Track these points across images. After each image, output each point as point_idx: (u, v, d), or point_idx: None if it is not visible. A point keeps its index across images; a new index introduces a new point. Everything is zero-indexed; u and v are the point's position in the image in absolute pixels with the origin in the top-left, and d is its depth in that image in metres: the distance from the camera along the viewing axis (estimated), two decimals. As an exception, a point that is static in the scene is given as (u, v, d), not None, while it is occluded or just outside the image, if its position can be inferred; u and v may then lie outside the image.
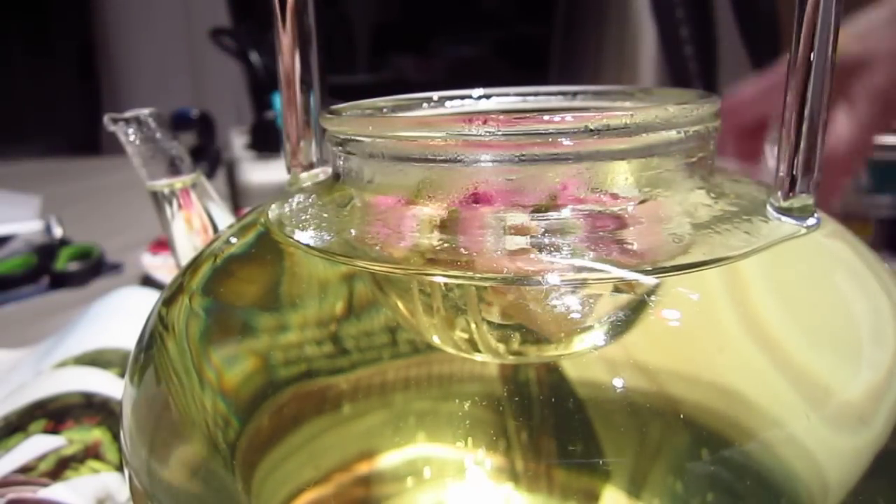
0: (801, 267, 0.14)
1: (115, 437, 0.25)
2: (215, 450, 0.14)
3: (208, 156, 0.85)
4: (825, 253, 0.15)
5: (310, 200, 0.17)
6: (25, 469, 0.23)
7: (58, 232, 0.53)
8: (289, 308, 0.15)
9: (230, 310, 0.16)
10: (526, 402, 0.12)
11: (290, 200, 0.18)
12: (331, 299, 0.14)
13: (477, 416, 0.12)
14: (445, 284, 0.13)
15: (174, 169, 0.21)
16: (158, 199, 0.21)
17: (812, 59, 0.14)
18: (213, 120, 0.89)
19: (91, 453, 0.24)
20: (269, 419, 0.13)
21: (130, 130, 0.20)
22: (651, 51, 0.71)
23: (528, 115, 0.13)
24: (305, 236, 0.15)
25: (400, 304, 0.14)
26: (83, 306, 0.37)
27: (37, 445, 0.24)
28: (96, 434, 0.25)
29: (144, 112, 0.20)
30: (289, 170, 0.19)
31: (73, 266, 0.48)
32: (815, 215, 0.15)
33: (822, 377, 0.13)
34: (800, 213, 0.15)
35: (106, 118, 0.20)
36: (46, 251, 0.50)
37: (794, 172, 0.14)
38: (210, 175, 0.84)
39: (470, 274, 0.13)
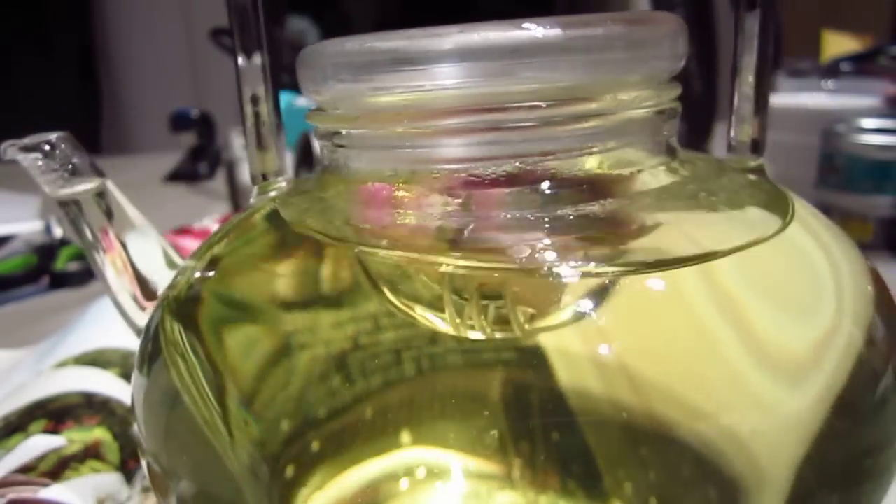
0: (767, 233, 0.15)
1: (116, 436, 0.25)
2: (230, 433, 0.14)
3: (208, 156, 0.85)
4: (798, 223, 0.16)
5: (301, 195, 0.18)
6: (25, 469, 0.23)
7: (58, 232, 0.53)
8: (303, 295, 0.15)
9: (245, 297, 0.16)
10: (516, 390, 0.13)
11: (282, 196, 0.18)
12: (343, 286, 0.15)
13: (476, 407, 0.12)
14: (446, 267, 0.14)
15: (84, 173, 0.19)
16: (68, 211, 0.19)
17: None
18: (213, 120, 0.89)
19: (91, 453, 0.24)
20: (287, 406, 0.14)
21: (35, 156, 0.18)
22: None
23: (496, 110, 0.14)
24: (315, 224, 0.16)
25: (402, 288, 0.14)
26: (83, 306, 0.37)
27: (37, 445, 0.24)
28: (96, 434, 0.25)
29: (52, 137, 0.18)
30: (254, 179, 0.19)
31: (73, 266, 0.48)
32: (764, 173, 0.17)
33: (776, 342, 0.14)
34: (757, 169, 0.17)
35: (4, 146, 0.18)
36: (46, 251, 0.50)
37: (756, 137, 0.17)
38: (210, 175, 0.84)
39: (469, 260, 0.14)
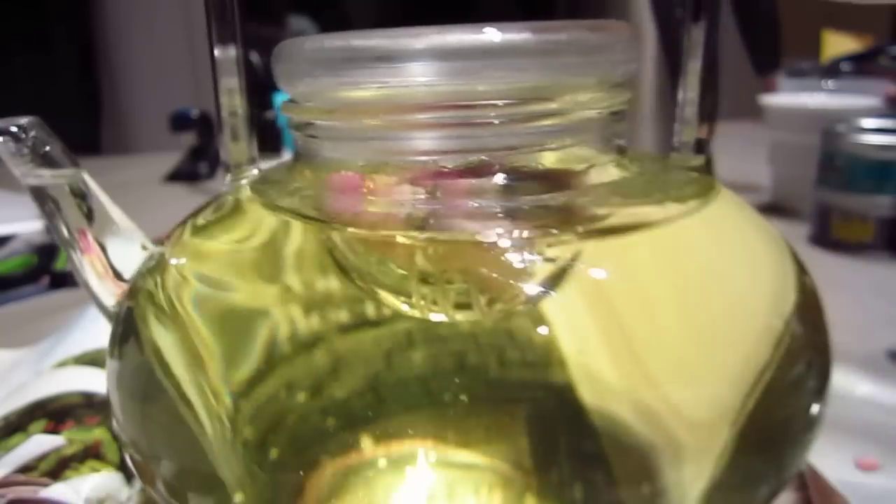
0: (701, 222, 0.17)
1: (116, 437, 0.25)
2: (209, 411, 0.15)
3: (208, 156, 0.85)
4: (726, 214, 0.18)
5: (272, 182, 0.19)
6: (26, 469, 0.23)
7: (58, 232, 0.53)
8: (273, 275, 0.16)
9: (216, 277, 0.17)
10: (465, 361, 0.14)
11: (254, 183, 0.19)
12: (313, 263, 0.16)
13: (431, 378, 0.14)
14: (406, 245, 0.15)
15: (57, 162, 0.18)
16: (44, 205, 0.19)
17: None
18: (213, 120, 0.89)
19: (91, 453, 0.24)
20: (260, 384, 0.15)
21: (4, 139, 0.17)
22: (651, 51, 0.71)
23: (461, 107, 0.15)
24: (286, 203, 0.17)
25: (365, 268, 0.15)
26: (83, 306, 0.37)
27: (37, 445, 0.24)
28: (96, 434, 0.25)
29: (22, 121, 0.18)
30: (228, 168, 0.20)
31: (74, 266, 0.48)
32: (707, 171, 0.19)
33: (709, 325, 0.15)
34: (699, 167, 0.19)
35: None
36: (46, 251, 0.49)
37: (696, 137, 0.19)
38: (210, 175, 0.84)
39: (428, 234, 0.15)
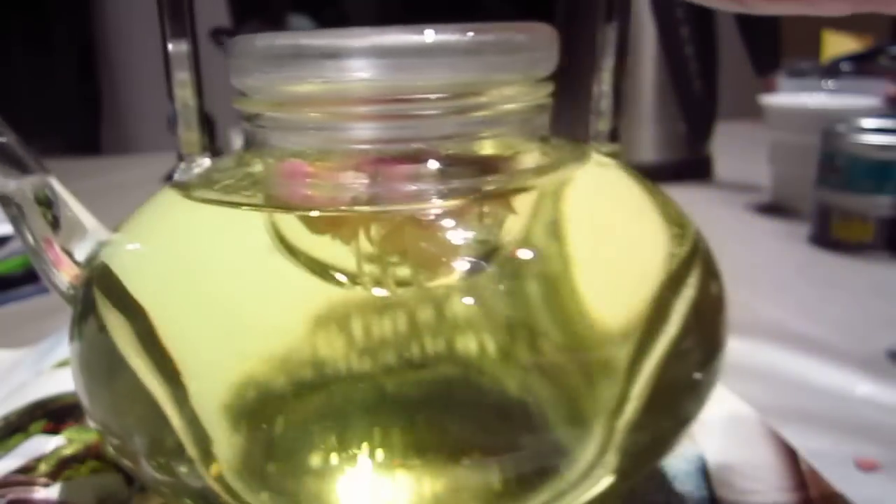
0: (604, 200, 0.19)
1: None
2: (175, 385, 0.16)
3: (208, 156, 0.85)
4: (624, 191, 0.20)
5: (222, 170, 0.20)
6: (26, 469, 0.23)
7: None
8: (218, 257, 0.17)
9: (165, 262, 0.18)
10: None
11: (205, 171, 0.20)
12: (256, 249, 0.17)
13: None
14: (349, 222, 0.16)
15: (23, 168, 0.18)
16: (9, 211, 0.19)
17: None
18: (213, 120, 0.89)
19: (91, 453, 0.24)
20: (213, 359, 0.16)
21: None
22: (651, 51, 0.71)
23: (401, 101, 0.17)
24: (221, 194, 0.18)
25: (312, 247, 0.17)
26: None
27: (37, 445, 0.24)
28: (96, 434, 0.25)
29: None
30: (180, 156, 0.21)
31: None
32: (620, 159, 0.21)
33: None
34: (614, 155, 0.21)
35: None
36: (46, 251, 0.50)
37: (608, 129, 0.22)
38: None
39: (366, 208, 0.17)
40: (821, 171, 0.51)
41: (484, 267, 0.16)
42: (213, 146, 0.22)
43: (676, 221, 0.20)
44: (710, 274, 0.20)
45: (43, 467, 0.23)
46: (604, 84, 0.22)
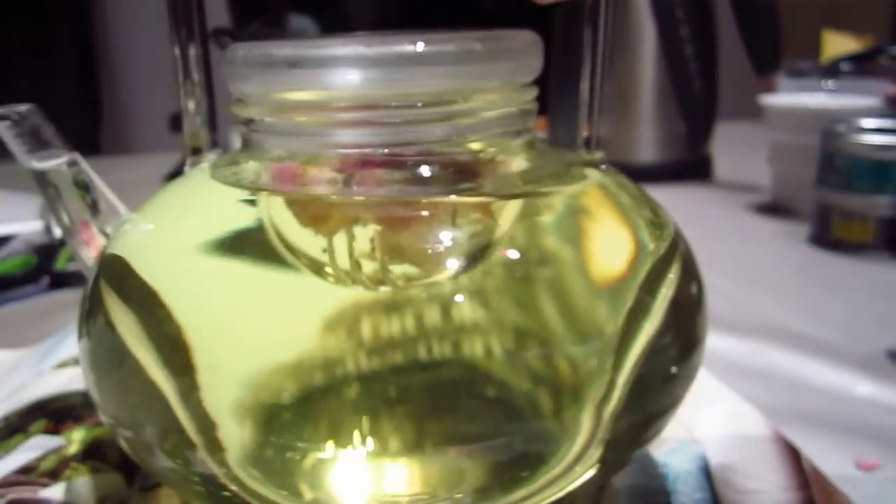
0: (590, 201, 0.20)
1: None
2: (185, 375, 0.16)
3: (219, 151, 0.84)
4: (608, 192, 0.21)
5: (224, 167, 0.21)
6: (26, 469, 0.23)
7: (58, 232, 0.53)
8: (222, 245, 0.18)
9: (180, 248, 0.19)
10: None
11: (210, 168, 0.21)
12: (255, 241, 0.18)
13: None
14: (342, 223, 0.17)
15: (51, 154, 0.20)
16: (42, 182, 0.20)
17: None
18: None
19: (91, 453, 0.24)
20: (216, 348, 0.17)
21: (6, 125, 0.19)
22: (651, 51, 0.71)
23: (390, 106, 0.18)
24: (220, 188, 0.19)
25: (304, 248, 0.17)
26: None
27: (37, 446, 0.24)
28: (97, 434, 0.25)
29: (22, 108, 0.20)
30: (192, 151, 0.22)
31: (73, 266, 0.48)
32: (604, 164, 0.21)
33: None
34: (598, 162, 0.21)
35: None
36: (46, 251, 0.49)
37: (594, 137, 0.22)
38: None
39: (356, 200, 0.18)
40: (820, 171, 0.51)
41: (458, 266, 0.17)
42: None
43: (655, 222, 0.21)
44: (689, 271, 0.20)
45: (43, 467, 0.23)
46: (583, 91, 0.22)
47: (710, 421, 0.25)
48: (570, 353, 0.17)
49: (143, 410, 0.18)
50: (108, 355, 0.18)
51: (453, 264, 0.17)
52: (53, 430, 0.25)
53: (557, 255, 0.19)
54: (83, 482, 0.23)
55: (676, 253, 0.20)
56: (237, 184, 0.19)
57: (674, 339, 0.19)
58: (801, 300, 0.42)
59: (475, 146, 0.19)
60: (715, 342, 0.26)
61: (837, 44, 0.96)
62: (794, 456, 0.24)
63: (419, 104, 0.18)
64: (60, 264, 0.48)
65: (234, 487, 0.17)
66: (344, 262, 0.17)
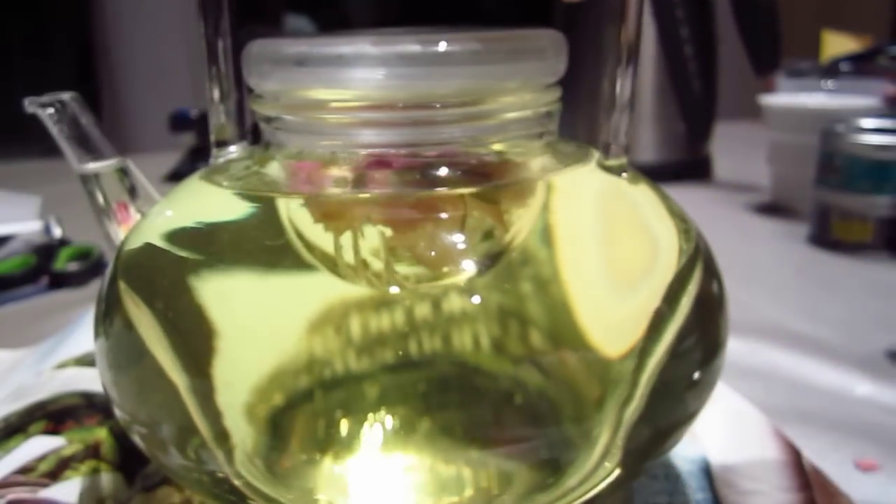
0: (611, 202, 0.20)
1: (116, 437, 0.25)
2: (199, 374, 0.16)
3: (208, 156, 0.85)
4: (630, 195, 0.20)
5: (245, 162, 0.21)
6: (25, 470, 0.23)
7: (57, 232, 0.52)
8: (238, 246, 0.18)
9: (188, 251, 0.18)
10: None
11: (230, 162, 0.21)
12: (273, 241, 0.18)
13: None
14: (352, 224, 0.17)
15: (98, 154, 0.22)
16: (89, 184, 0.22)
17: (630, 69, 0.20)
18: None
19: (91, 453, 0.24)
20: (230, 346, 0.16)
21: (51, 112, 0.21)
22: (651, 51, 0.71)
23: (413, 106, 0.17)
24: (239, 185, 0.19)
25: (319, 245, 0.17)
26: (83, 306, 0.37)
27: (37, 446, 0.24)
28: (96, 434, 0.25)
29: (65, 96, 0.21)
30: (216, 144, 0.22)
31: (73, 266, 0.48)
32: (626, 171, 0.21)
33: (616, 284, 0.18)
34: (617, 168, 0.20)
35: (26, 101, 0.21)
36: (46, 251, 0.49)
37: (611, 142, 0.20)
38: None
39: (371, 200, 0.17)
40: (820, 171, 0.51)
41: (472, 270, 0.16)
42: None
43: (681, 219, 0.20)
44: (712, 272, 0.20)
45: (43, 467, 0.23)
46: (608, 92, 0.20)
47: (710, 421, 0.25)
48: (591, 358, 0.17)
49: (160, 408, 0.17)
50: (126, 353, 0.18)
51: (467, 267, 0.17)
52: (53, 431, 0.25)
53: (577, 257, 0.18)
54: (83, 482, 0.23)
55: (700, 253, 0.20)
56: (250, 191, 0.19)
57: (698, 341, 0.18)
58: (801, 300, 0.42)
59: (496, 147, 0.18)
60: (715, 342, 0.26)
61: (837, 44, 0.96)
62: (795, 456, 0.24)
63: (440, 104, 0.17)
64: (60, 264, 0.48)
65: (247, 488, 0.17)
66: (352, 260, 0.17)
